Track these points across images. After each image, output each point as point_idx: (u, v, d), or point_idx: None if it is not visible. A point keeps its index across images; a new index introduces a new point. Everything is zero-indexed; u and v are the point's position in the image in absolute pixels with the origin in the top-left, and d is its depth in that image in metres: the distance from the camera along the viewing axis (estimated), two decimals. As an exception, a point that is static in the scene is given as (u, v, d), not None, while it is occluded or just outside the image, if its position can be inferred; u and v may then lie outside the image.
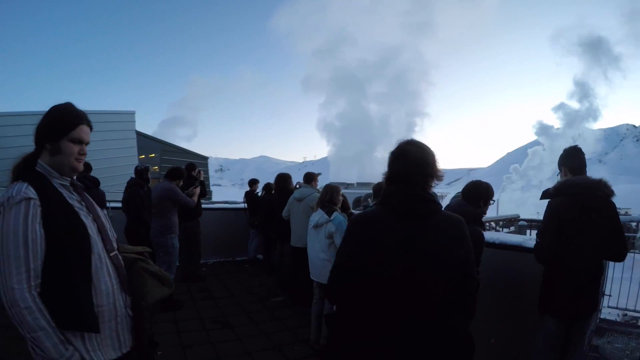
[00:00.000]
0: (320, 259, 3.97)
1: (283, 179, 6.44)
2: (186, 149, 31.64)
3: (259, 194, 8.21)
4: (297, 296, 5.50)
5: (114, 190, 12.19)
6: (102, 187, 5.69)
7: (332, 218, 3.93)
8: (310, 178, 5.67)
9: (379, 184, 4.30)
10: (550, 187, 2.82)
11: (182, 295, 5.72)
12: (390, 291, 1.51)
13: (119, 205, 6.11)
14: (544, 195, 2.81)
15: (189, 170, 6.44)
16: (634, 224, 8.88)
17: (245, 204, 8.43)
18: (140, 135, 28.65)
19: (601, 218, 2.60)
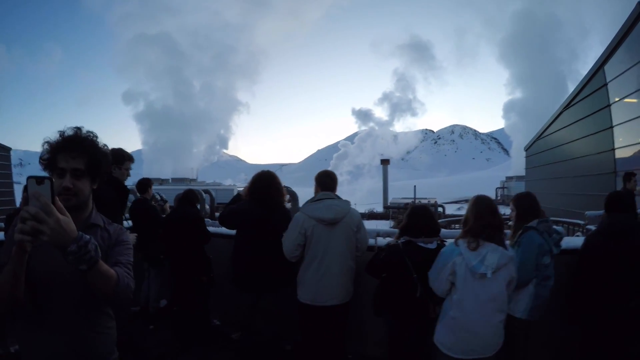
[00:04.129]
0: (494, 324, 2.45)
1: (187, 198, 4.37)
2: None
3: (160, 204, 5.37)
4: None
5: None
6: None
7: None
8: (330, 181, 3.22)
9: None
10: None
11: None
12: None
13: None
14: None
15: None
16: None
17: (130, 222, 4.73)
18: None
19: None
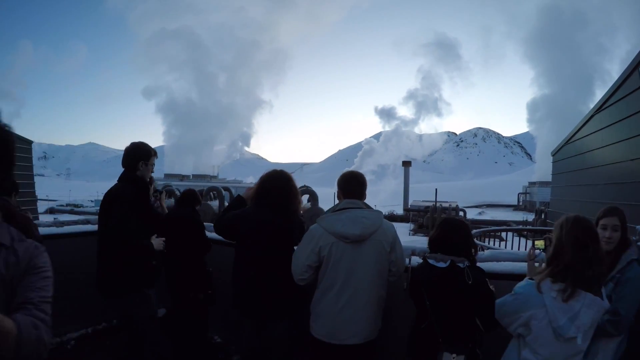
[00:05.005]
0: None
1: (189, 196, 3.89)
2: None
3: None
4: None
5: None
6: None
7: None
8: (358, 185, 2.61)
9: None
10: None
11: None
12: None
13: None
14: None
15: None
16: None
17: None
18: None
19: None
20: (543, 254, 2.25)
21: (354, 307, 2.44)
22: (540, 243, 2.35)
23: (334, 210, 2.55)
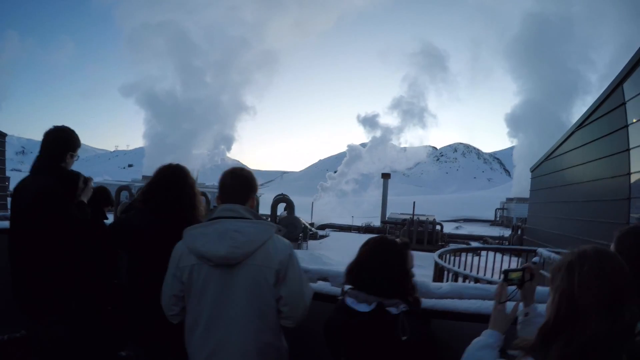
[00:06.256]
0: None
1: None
2: (-25, 123, 25.11)
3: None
4: None
5: None
6: None
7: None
8: (237, 186, 1.96)
9: None
10: None
11: None
12: None
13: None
14: None
15: None
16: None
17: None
18: None
19: None
20: (519, 292, 1.60)
21: (225, 355, 1.77)
22: (516, 275, 1.61)
23: (208, 219, 1.89)
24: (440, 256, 8.14)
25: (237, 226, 1.77)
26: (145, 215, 2.16)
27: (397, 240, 1.77)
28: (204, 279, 1.78)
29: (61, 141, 2.46)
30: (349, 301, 1.66)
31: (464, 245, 11.40)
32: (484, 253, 10.48)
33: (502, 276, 1.62)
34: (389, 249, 1.71)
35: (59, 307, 2.38)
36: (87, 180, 2.59)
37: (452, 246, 14.42)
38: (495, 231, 41.78)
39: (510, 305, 1.54)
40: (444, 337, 1.62)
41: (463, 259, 10.03)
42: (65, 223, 2.31)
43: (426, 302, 2.06)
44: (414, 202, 36.35)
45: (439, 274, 7.28)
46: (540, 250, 8.00)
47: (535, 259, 7.31)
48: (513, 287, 1.59)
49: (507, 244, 27.28)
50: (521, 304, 1.61)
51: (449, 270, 6.94)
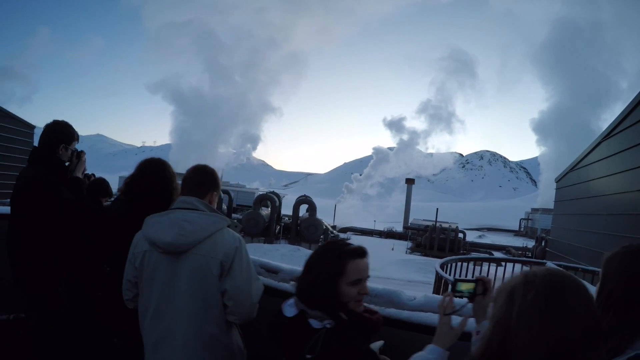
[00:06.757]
0: None
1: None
2: (9, 112, 25.21)
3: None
4: None
5: None
6: None
7: None
8: (198, 179, 2.04)
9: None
10: None
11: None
12: None
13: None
14: None
15: None
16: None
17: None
18: None
19: None
20: (470, 305, 1.48)
21: (171, 344, 1.79)
22: (467, 287, 1.46)
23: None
24: (442, 266, 7.54)
25: (188, 216, 1.83)
26: (124, 205, 2.29)
27: (349, 245, 1.55)
28: (154, 266, 1.83)
29: (54, 134, 2.59)
30: (286, 304, 1.57)
31: (464, 256, 10.92)
32: (505, 264, 10.26)
33: (450, 286, 1.49)
34: (324, 253, 1.54)
35: (50, 292, 2.50)
36: (80, 154, 2.67)
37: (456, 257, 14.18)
38: (519, 241, 40.80)
39: (457, 318, 1.41)
40: (417, 351, 1.41)
41: (485, 268, 9.75)
42: (59, 207, 2.39)
43: (400, 314, 2.03)
44: (437, 209, 35.92)
45: (438, 284, 7.04)
46: (549, 263, 7.75)
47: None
48: (465, 300, 1.49)
49: (530, 255, 26.62)
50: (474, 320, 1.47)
51: (446, 280, 6.71)
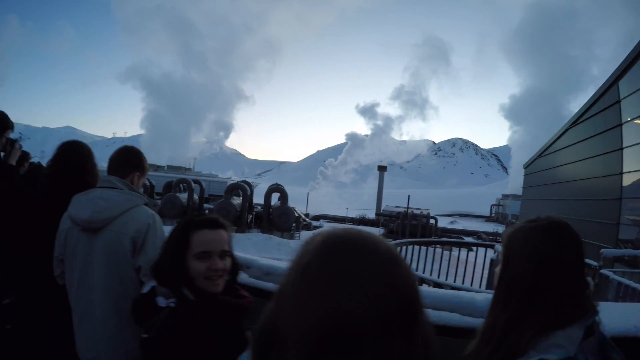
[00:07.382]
0: None
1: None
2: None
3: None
4: None
5: None
6: None
7: None
8: (122, 160, 2.07)
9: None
10: None
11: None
12: None
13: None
14: None
15: None
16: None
17: None
18: None
19: None
20: None
21: (91, 320, 1.83)
22: None
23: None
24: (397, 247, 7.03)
25: (104, 194, 1.85)
26: (44, 186, 2.31)
27: (203, 216, 1.43)
28: (75, 243, 1.86)
29: None
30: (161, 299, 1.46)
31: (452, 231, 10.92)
32: (475, 248, 10.26)
33: None
34: (176, 225, 1.42)
35: None
36: (13, 142, 2.65)
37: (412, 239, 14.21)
38: (490, 227, 41.89)
39: None
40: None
41: (455, 254, 9.69)
42: None
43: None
44: (409, 196, 36.35)
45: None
46: (497, 246, 7.68)
47: (493, 255, 7.06)
48: None
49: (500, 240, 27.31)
50: None
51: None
